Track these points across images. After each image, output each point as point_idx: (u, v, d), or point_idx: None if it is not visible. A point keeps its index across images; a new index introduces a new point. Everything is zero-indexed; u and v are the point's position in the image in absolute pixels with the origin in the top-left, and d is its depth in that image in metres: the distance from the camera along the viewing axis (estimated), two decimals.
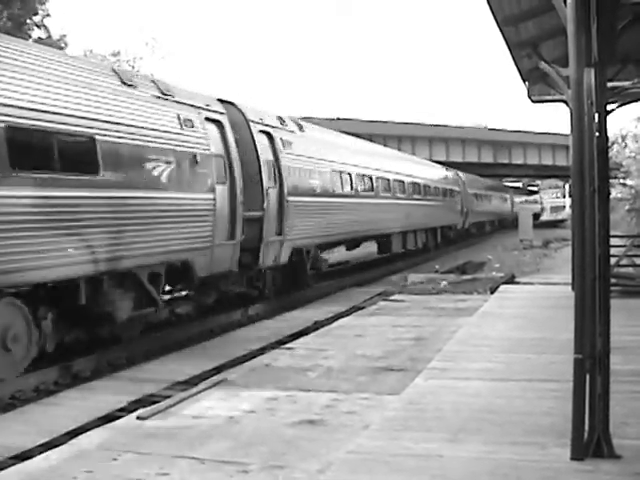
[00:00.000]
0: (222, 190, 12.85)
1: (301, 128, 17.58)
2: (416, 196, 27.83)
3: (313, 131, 19.05)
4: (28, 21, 29.26)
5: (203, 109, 12.94)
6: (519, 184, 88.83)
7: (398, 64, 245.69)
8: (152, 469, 5.54)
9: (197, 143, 12.31)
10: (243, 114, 14.58)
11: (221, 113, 13.58)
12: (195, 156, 12.07)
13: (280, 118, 16.64)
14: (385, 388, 7.94)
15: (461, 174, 40.46)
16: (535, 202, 78.40)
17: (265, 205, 14.27)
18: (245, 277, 14.68)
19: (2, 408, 8.21)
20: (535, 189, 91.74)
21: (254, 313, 14.92)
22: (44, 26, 30.57)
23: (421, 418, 6.38)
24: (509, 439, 5.69)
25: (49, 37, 30.32)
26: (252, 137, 14.45)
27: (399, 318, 13.00)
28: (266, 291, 15.62)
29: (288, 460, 5.70)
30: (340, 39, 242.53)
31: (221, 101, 14.11)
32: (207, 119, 12.93)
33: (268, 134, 15.21)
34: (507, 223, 57.65)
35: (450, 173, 37.66)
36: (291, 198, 15.46)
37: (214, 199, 12.55)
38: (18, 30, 26.19)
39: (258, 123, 14.89)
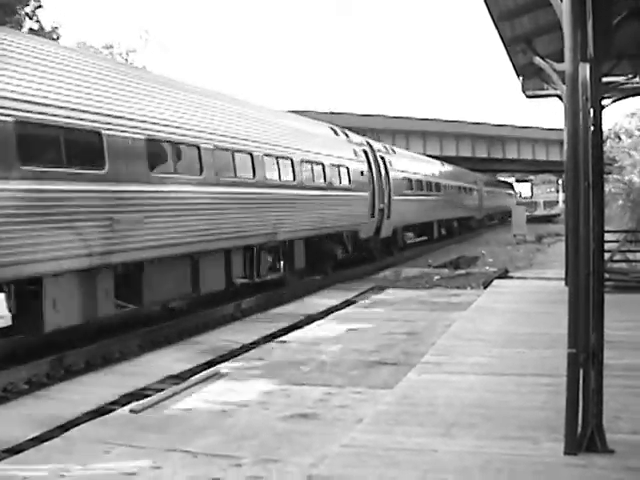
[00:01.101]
0: None
1: None
2: (242, 177, 13.98)
3: None
4: (20, 12, 29.01)
5: None
6: (512, 179, 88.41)
7: (395, 61, 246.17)
8: (145, 462, 5.53)
9: None
10: None
11: None
12: None
13: None
14: (378, 382, 7.94)
15: (379, 146, 24.53)
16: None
17: None
18: None
19: None
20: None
21: (247, 307, 14.90)
22: (36, 17, 30.34)
23: (414, 412, 6.38)
24: (502, 434, 5.69)
25: (41, 29, 30.08)
26: None
27: (392, 312, 13.01)
28: None
29: (281, 454, 5.70)
30: (340, 39, 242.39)
31: None
32: None
33: None
34: (473, 224, 43.67)
35: (352, 140, 21.61)
36: None
37: None
38: (10, 20, 26.00)
39: None
